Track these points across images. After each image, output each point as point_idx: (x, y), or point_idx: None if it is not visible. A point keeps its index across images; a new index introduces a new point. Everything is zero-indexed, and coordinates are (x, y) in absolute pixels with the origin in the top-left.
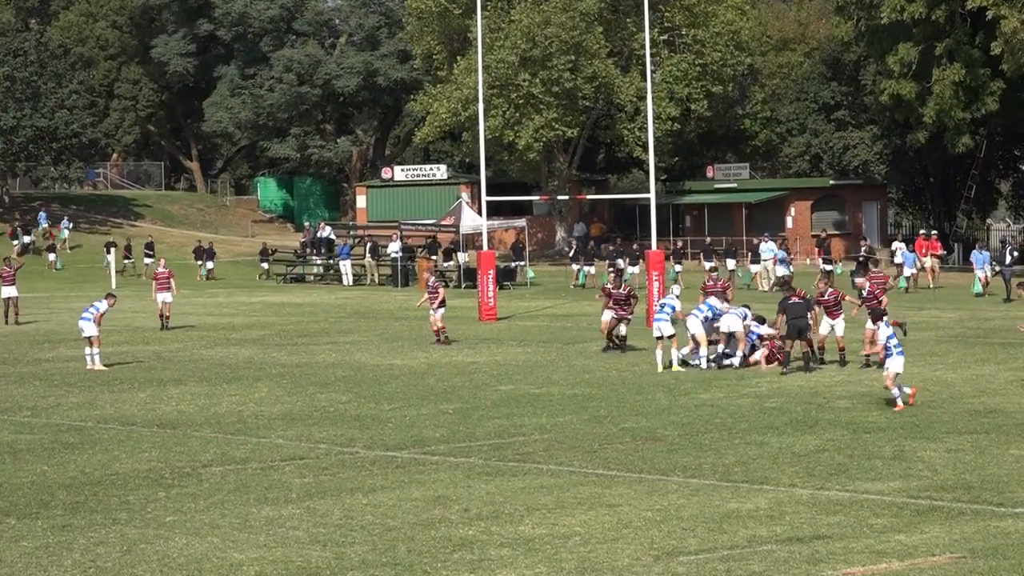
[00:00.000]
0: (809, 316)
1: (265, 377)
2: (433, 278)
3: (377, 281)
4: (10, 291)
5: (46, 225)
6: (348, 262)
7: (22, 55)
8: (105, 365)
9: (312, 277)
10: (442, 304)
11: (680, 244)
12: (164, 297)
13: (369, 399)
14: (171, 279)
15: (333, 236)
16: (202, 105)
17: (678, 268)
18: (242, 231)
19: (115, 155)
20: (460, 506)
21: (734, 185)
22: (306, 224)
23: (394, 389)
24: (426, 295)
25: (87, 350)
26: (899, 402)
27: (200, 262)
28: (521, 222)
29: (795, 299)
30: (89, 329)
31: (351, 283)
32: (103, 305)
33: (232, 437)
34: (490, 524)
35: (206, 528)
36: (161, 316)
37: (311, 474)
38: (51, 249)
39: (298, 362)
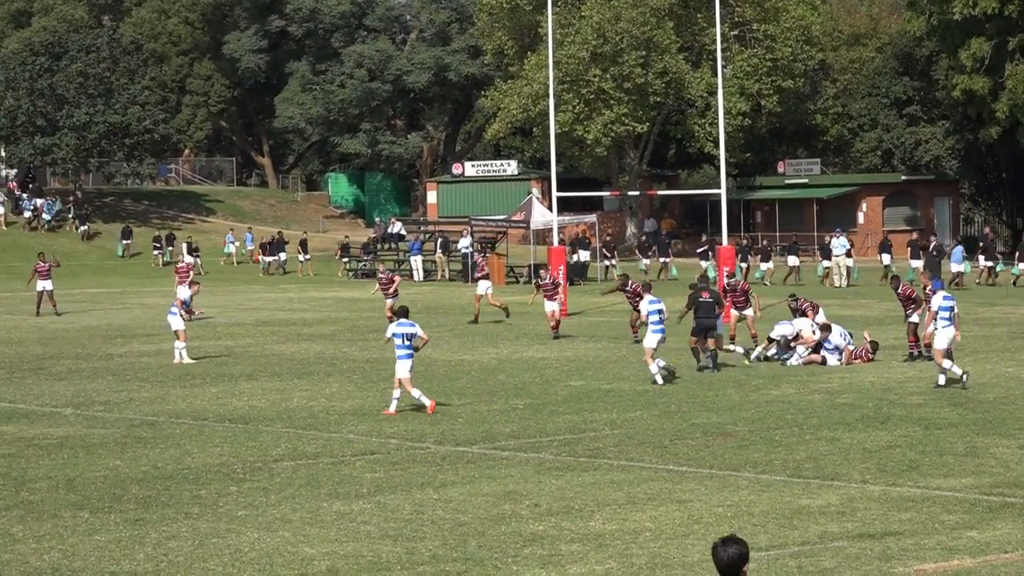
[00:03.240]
0: (719, 313)
1: (336, 372)
2: (384, 268)
3: (447, 277)
4: (45, 284)
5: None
6: (419, 258)
7: (95, 51)
8: (193, 358)
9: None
10: (395, 294)
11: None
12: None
13: (439, 394)
14: (191, 273)
15: (403, 232)
16: (273, 101)
17: (766, 266)
18: (313, 226)
19: (187, 151)
20: (530, 501)
21: (805, 181)
22: (377, 220)
23: (464, 384)
24: (377, 286)
25: (176, 344)
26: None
27: (271, 258)
28: (591, 217)
29: (706, 296)
30: (176, 323)
31: (421, 279)
32: (184, 292)
33: (303, 432)
34: (560, 519)
35: (277, 522)
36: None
37: (382, 469)
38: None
39: (369, 357)
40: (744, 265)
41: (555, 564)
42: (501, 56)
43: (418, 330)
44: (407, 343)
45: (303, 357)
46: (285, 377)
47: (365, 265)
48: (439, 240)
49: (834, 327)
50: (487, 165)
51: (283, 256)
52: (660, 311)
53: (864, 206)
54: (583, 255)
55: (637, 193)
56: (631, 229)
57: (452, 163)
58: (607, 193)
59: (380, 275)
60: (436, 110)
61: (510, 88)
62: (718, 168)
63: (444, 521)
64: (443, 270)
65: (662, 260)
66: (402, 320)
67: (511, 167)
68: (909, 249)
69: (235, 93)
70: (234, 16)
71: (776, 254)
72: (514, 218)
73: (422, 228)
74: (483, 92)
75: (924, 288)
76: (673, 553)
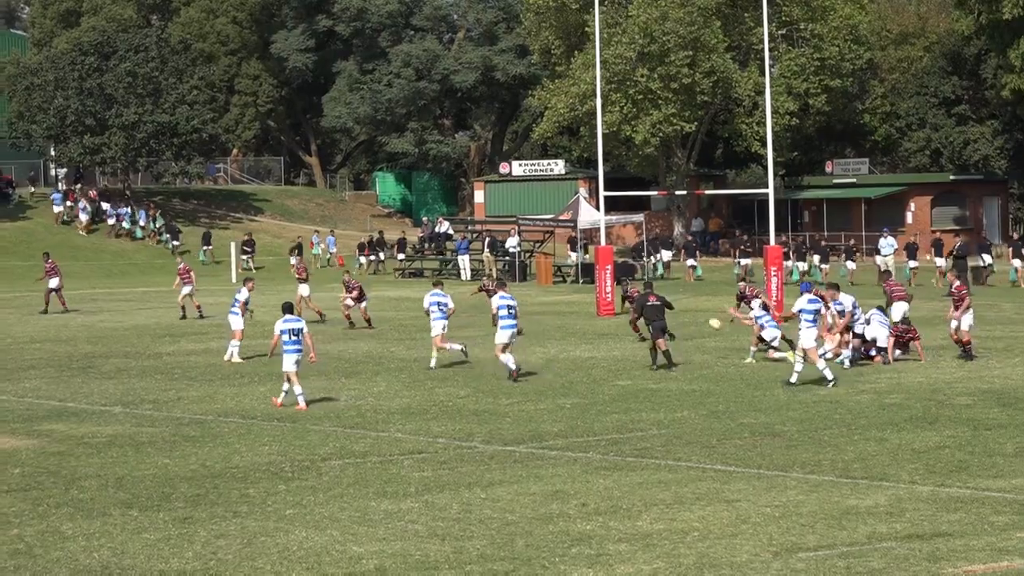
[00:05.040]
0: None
1: (384, 371)
2: (348, 275)
3: (495, 276)
4: (54, 283)
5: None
6: (466, 257)
7: (143, 51)
8: (242, 358)
9: (430, 272)
10: (361, 297)
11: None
12: (186, 290)
13: (487, 393)
14: (191, 273)
15: (451, 231)
16: (321, 100)
17: (800, 265)
18: (360, 225)
19: (235, 150)
20: (578, 501)
21: (853, 180)
22: (424, 219)
23: (512, 384)
24: (344, 292)
25: (232, 342)
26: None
27: (371, 257)
28: (639, 217)
29: (653, 300)
30: (236, 322)
31: (469, 278)
32: (243, 294)
33: (351, 431)
34: (608, 519)
35: (326, 521)
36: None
37: (429, 468)
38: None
39: (416, 356)
40: (803, 265)
41: (603, 564)
42: (548, 55)
43: (304, 326)
44: (295, 338)
45: (351, 356)
46: (333, 376)
47: (410, 264)
48: (486, 239)
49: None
50: (534, 164)
51: (383, 255)
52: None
53: (912, 206)
54: (665, 255)
55: (684, 193)
56: (678, 229)
57: (499, 162)
58: (654, 192)
59: (346, 283)
60: (483, 109)
61: (557, 87)
62: (766, 167)
63: (492, 520)
64: (490, 269)
65: (689, 262)
66: (288, 316)
67: (558, 166)
68: (932, 249)
69: (283, 92)
70: (282, 16)
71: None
72: (561, 217)
73: (469, 227)
74: (530, 91)
75: (952, 287)
76: (721, 553)
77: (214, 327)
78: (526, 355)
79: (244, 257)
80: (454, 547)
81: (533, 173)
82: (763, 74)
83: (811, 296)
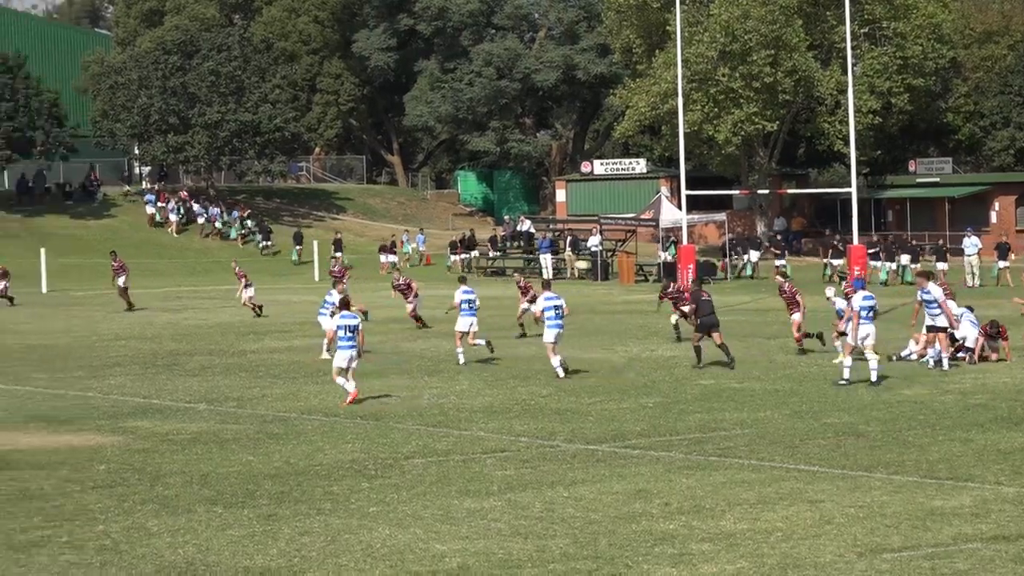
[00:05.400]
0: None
1: (466, 370)
2: (400, 276)
3: (576, 275)
4: (121, 280)
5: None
6: (548, 256)
7: (226, 50)
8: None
9: (512, 271)
10: (415, 296)
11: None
12: (249, 292)
13: (569, 392)
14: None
15: (532, 230)
16: (402, 99)
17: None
18: (442, 224)
19: (317, 149)
20: (661, 500)
21: (936, 179)
22: (506, 218)
23: (594, 383)
24: (393, 292)
25: (326, 340)
26: None
27: (462, 255)
28: (721, 216)
29: (705, 296)
30: (326, 323)
31: (551, 277)
32: (334, 295)
33: (434, 429)
34: (691, 518)
35: (409, 519)
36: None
37: (512, 467)
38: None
39: (498, 355)
40: (892, 265)
41: (686, 563)
42: (629, 54)
43: (360, 323)
44: (350, 335)
45: (433, 354)
46: (415, 375)
47: (492, 263)
48: (568, 238)
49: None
50: (616, 163)
51: (475, 253)
52: (557, 307)
53: (996, 205)
54: (753, 255)
55: (767, 192)
56: (761, 228)
57: (581, 161)
58: (736, 192)
59: (397, 282)
60: (564, 108)
61: (638, 86)
62: (848, 167)
63: (574, 519)
64: (572, 268)
65: (747, 259)
66: (345, 312)
67: (640, 165)
68: (997, 251)
69: (365, 91)
70: (363, 15)
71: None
72: (643, 216)
73: (551, 226)
74: (611, 90)
75: None
76: (805, 553)
77: (297, 325)
78: (609, 354)
79: (338, 255)
80: (537, 546)
81: (615, 172)
82: (845, 73)
83: (866, 293)
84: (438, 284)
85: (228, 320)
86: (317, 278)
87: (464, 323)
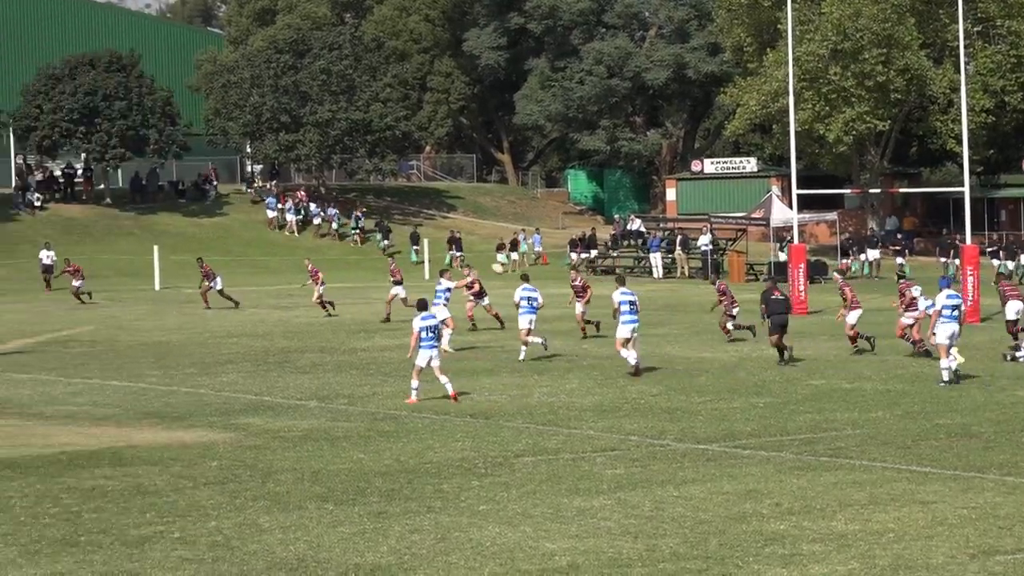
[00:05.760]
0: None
1: (576, 369)
2: (579, 276)
3: (687, 274)
4: (215, 283)
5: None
6: (658, 255)
7: (337, 49)
8: (455, 349)
9: (621, 269)
10: (481, 295)
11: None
12: (321, 289)
13: (679, 391)
14: (319, 274)
15: (643, 228)
16: (513, 98)
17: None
18: (552, 223)
19: (428, 148)
20: (771, 500)
21: None
22: (616, 216)
23: (704, 382)
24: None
25: (448, 332)
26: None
27: (583, 254)
28: (832, 215)
29: (777, 295)
30: (442, 312)
31: (661, 276)
32: (443, 284)
33: (544, 428)
34: (802, 519)
35: (518, 517)
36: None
37: (622, 465)
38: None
39: (608, 354)
40: (1011, 264)
41: (797, 564)
42: (740, 53)
43: (439, 322)
44: (431, 335)
45: (543, 353)
46: (525, 373)
47: (602, 261)
48: (678, 237)
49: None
50: (726, 162)
51: (594, 252)
52: (632, 302)
53: None
54: (872, 254)
55: (878, 191)
56: (872, 227)
57: (691, 160)
58: (848, 191)
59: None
60: (675, 107)
61: (749, 85)
62: (961, 166)
63: (684, 519)
64: (682, 267)
65: (864, 258)
66: (425, 313)
67: (750, 164)
68: None
69: (475, 90)
70: (474, 13)
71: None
72: (753, 215)
73: (661, 225)
74: (722, 89)
75: None
76: (917, 555)
77: (408, 323)
78: (719, 353)
79: (459, 254)
80: (647, 545)
81: (725, 171)
82: (958, 71)
83: (951, 292)
84: (555, 283)
85: (339, 318)
86: (427, 276)
87: (524, 320)
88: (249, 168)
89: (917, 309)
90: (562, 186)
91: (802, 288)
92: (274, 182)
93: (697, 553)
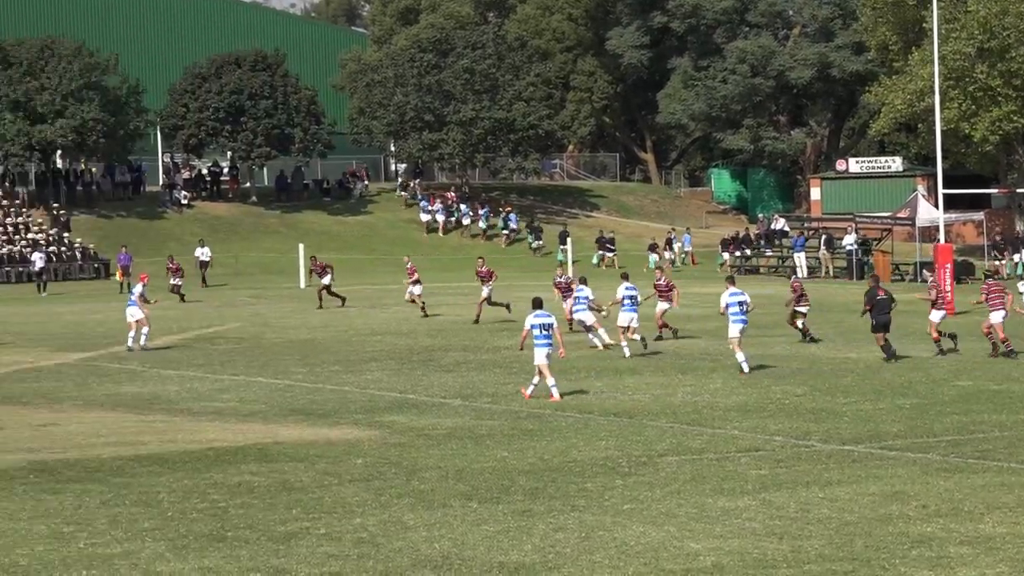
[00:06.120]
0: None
1: (720, 368)
2: (664, 275)
3: (831, 274)
4: (324, 280)
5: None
6: (802, 254)
7: (480, 48)
8: (603, 346)
9: (766, 269)
10: (568, 293)
11: None
12: (415, 289)
13: (824, 392)
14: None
15: (787, 228)
16: (656, 97)
17: None
18: (696, 222)
19: (571, 147)
20: (918, 502)
21: None
22: (760, 216)
23: (849, 383)
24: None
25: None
26: None
27: (736, 253)
28: (978, 215)
29: (882, 294)
30: (587, 317)
31: (805, 275)
32: (586, 289)
33: (688, 427)
34: (949, 521)
35: (662, 517)
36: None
37: (766, 466)
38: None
39: (752, 354)
40: None
41: (944, 566)
42: (885, 52)
43: (555, 321)
44: (545, 333)
45: (687, 353)
46: (669, 372)
47: (746, 261)
48: (823, 237)
49: None
50: (871, 161)
51: (748, 251)
52: (742, 302)
53: None
54: None
55: None
56: (1020, 226)
57: (835, 159)
58: (995, 190)
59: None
60: (819, 106)
61: (894, 84)
62: None
63: (830, 520)
64: (827, 267)
65: (1018, 258)
66: (539, 311)
67: (895, 163)
68: None
69: (618, 89)
70: (617, 12)
71: None
72: (899, 215)
73: (805, 225)
74: (867, 88)
75: None
76: None
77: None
78: (864, 354)
79: (609, 254)
80: (792, 546)
81: (870, 170)
82: None
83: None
84: (707, 283)
85: (483, 317)
86: (571, 274)
87: (625, 318)
88: (393, 167)
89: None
90: (705, 185)
91: (948, 288)
92: (417, 181)
93: (843, 555)
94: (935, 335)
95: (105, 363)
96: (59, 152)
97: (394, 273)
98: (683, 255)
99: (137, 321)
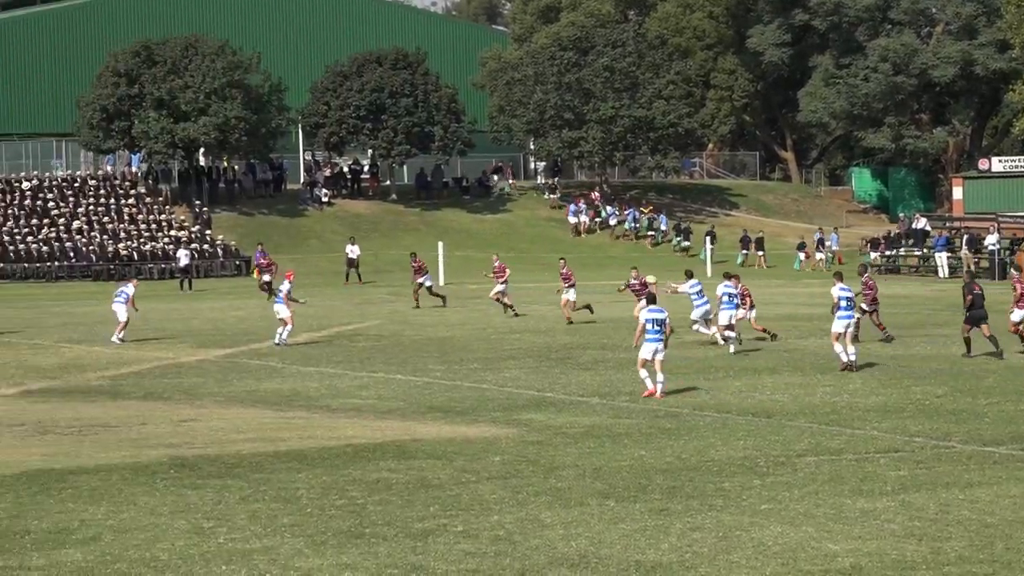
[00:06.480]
0: None
1: (862, 367)
2: (636, 271)
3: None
4: (425, 279)
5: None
6: (944, 254)
7: (621, 46)
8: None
9: (906, 269)
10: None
11: None
12: (570, 295)
13: (966, 393)
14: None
15: (928, 227)
16: (796, 95)
17: None
18: (836, 221)
19: (711, 145)
20: None
21: None
22: (900, 215)
23: (992, 383)
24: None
25: (723, 332)
26: None
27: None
28: None
29: (977, 289)
30: (723, 317)
31: (947, 275)
32: (729, 287)
33: (826, 427)
34: None
35: (800, 517)
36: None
37: (906, 467)
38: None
39: (892, 354)
40: None
41: None
42: None
43: (668, 317)
44: (657, 328)
45: (825, 352)
46: (808, 372)
47: (886, 260)
48: (965, 237)
49: None
50: (1015, 161)
51: (898, 251)
52: (849, 298)
53: None
54: None
55: None
56: None
57: (978, 158)
58: None
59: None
60: (962, 104)
61: None
62: None
63: (970, 522)
64: (968, 267)
65: None
66: (652, 307)
67: None
68: None
69: (758, 87)
70: (757, 10)
71: None
72: None
73: (947, 224)
74: (1011, 86)
75: None
76: None
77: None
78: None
79: (759, 253)
80: (931, 548)
81: (1013, 169)
82: None
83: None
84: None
85: (620, 315)
86: (710, 274)
87: (725, 316)
88: (532, 165)
89: None
90: (846, 184)
91: None
92: (556, 179)
93: (983, 557)
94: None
95: (245, 359)
96: (202, 150)
97: (533, 271)
98: (830, 255)
99: (281, 319)
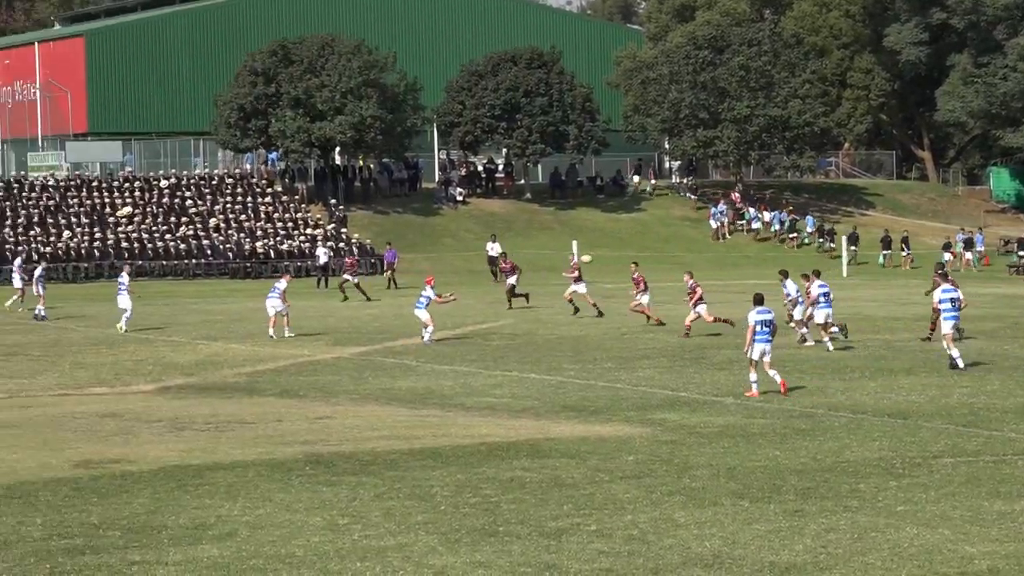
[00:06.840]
0: None
1: (996, 370)
2: (635, 267)
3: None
4: (511, 280)
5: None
6: None
7: (756, 45)
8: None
9: None
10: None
11: None
12: (578, 288)
13: None
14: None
15: None
16: (934, 94)
17: None
18: (973, 221)
19: (846, 144)
20: None
21: None
22: None
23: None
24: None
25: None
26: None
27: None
28: None
29: None
30: (820, 316)
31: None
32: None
33: (963, 429)
34: None
35: (937, 519)
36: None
37: None
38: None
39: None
40: None
41: None
42: None
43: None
44: (766, 329)
45: (963, 353)
46: (945, 373)
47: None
48: None
49: None
50: None
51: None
52: (953, 299)
53: None
54: None
55: None
56: None
57: None
58: None
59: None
60: None
61: None
62: None
63: None
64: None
65: None
66: (760, 308)
67: None
68: None
69: (895, 86)
70: (895, 8)
71: None
72: None
73: None
74: None
75: None
76: None
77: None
78: None
79: (903, 253)
80: None
81: None
82: None
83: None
84: (988, 283)
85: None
86: (845, 274)
87: (821, 315)
88: (667, 164)
89: None
90: (984, 184)
91: None
92: (690, 178)
93: None
94: None
95: (380, 357)
96: (338, 149)
97: (668, 271)
98: (978, 255)
99: (423, 322)
